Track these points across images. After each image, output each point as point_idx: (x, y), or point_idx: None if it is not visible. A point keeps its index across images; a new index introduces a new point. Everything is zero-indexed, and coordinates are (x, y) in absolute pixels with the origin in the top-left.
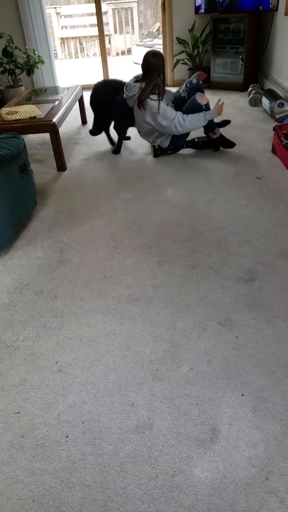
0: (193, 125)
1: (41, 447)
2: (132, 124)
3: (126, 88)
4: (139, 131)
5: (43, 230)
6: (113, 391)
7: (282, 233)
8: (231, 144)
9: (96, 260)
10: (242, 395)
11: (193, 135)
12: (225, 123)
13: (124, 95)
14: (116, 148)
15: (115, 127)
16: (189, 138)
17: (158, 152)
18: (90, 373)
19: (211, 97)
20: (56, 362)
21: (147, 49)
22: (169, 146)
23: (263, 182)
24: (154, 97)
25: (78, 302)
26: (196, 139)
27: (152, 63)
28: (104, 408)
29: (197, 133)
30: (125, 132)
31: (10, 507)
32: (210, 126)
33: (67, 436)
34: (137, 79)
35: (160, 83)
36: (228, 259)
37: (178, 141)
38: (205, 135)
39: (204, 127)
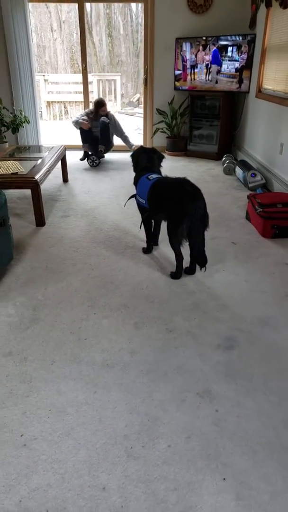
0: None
1: None
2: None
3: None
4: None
5: (17, 286)
6: (82, 472)
7: (258, 300)
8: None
9: (71, 320)
10: (224, 479)
11: None
12: None
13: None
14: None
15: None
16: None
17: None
18: (58, 449)
19: (188, 164)
20: (21, 435)
21: (128, 116)
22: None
23: (238, 247)
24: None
25: (49, 366)
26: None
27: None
28: (72, 492)
29: None
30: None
31: None
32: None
33: None
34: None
35: None
36: (206, 324)
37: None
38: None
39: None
